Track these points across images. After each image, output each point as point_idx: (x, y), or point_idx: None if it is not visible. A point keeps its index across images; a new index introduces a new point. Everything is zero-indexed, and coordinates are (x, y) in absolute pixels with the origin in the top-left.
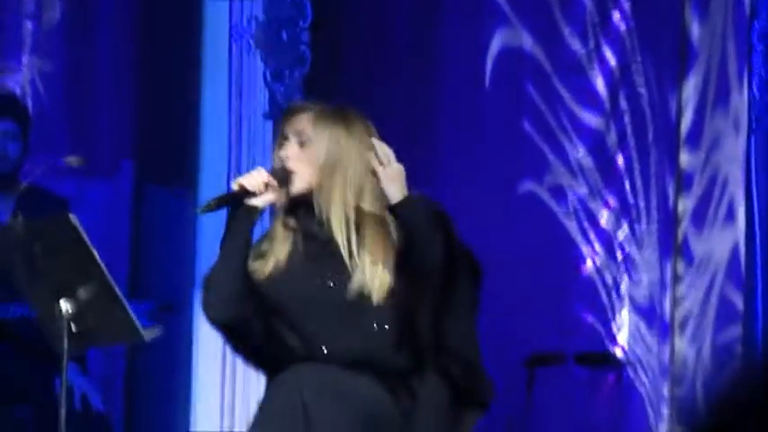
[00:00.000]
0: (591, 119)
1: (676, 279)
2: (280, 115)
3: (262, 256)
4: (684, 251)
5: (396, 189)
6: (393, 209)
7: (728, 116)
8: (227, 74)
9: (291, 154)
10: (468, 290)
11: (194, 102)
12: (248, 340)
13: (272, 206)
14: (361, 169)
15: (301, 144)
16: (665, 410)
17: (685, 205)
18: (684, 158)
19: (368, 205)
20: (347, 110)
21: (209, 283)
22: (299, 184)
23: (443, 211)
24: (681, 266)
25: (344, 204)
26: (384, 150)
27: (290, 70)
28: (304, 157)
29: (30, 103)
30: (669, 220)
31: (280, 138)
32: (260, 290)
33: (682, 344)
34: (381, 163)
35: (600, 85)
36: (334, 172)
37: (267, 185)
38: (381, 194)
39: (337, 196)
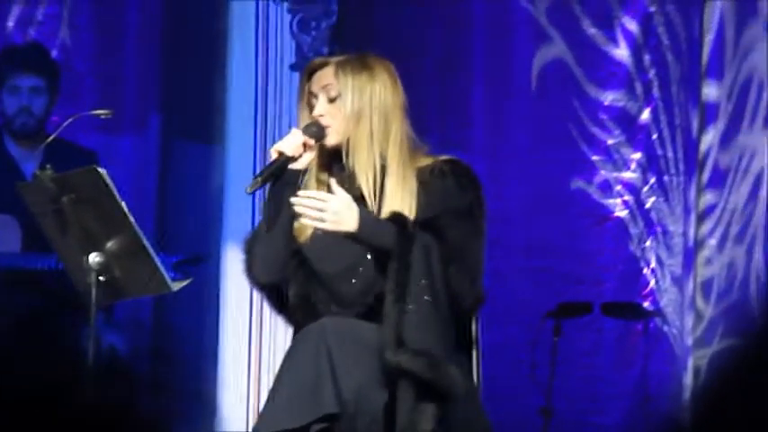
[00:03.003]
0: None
1: (703, 209)
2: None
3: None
4: (712, 183)
5: (349, 225)
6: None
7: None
8: (253, 25)
9: (323, 110)
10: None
11: (221, 54)
12: (287, 301)
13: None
14: (385, 115)
15: (331, 100)
16: (689, 358)
17: (710, 140)
18: (710, 91)
19: (393, 153)
20: (368, 57)
21: (252, 248)
22: (333, 138)
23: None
24: (710, 197)
25: (371, 153)
26: (313, 203)
27: (317, 21)
28: (335, 112)
29: (57, 56)
30: (694, 162)
31: (306, 96)
32: (299, 250)
33: (722, 260)
34: (321, 219)
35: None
36: (360, 121)
37: (305, 146)
38: (405, 141)
39: (364, 146)
